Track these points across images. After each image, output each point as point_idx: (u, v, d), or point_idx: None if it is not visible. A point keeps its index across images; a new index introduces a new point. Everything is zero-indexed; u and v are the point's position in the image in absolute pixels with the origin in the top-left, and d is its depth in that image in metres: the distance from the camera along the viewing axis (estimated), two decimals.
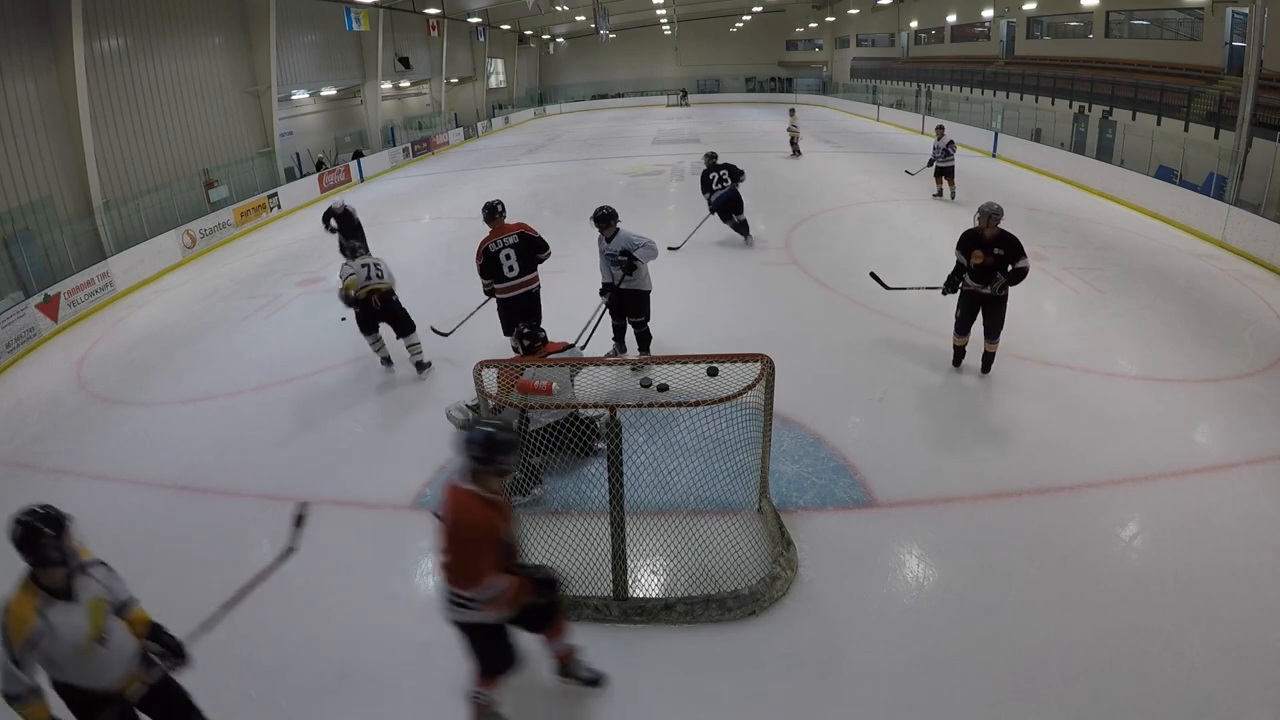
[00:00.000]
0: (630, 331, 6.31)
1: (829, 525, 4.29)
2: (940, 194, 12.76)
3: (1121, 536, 4.14)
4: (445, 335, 6.99)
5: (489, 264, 6.04)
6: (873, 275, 6.64)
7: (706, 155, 10.48)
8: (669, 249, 9.89)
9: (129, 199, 12.62)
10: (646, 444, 3.75)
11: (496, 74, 36.80)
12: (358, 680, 3.43)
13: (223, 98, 16.00)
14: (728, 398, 3.49)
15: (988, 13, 24.03)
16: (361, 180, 19.59)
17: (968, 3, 25.54)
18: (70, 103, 11.44)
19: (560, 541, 3.86)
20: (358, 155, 20.51)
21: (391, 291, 6.47)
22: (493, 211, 6.18)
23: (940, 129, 13.38)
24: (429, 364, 6.63)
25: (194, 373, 7.31)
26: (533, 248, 6.09)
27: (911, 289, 6.67)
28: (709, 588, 3.72)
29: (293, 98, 19.70)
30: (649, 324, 6.20)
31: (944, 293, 5.90)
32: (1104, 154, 14.78)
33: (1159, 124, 14.27)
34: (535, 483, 4.56)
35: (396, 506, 4.72)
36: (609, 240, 5.91)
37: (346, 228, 9.70)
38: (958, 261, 5.72)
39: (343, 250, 7.90)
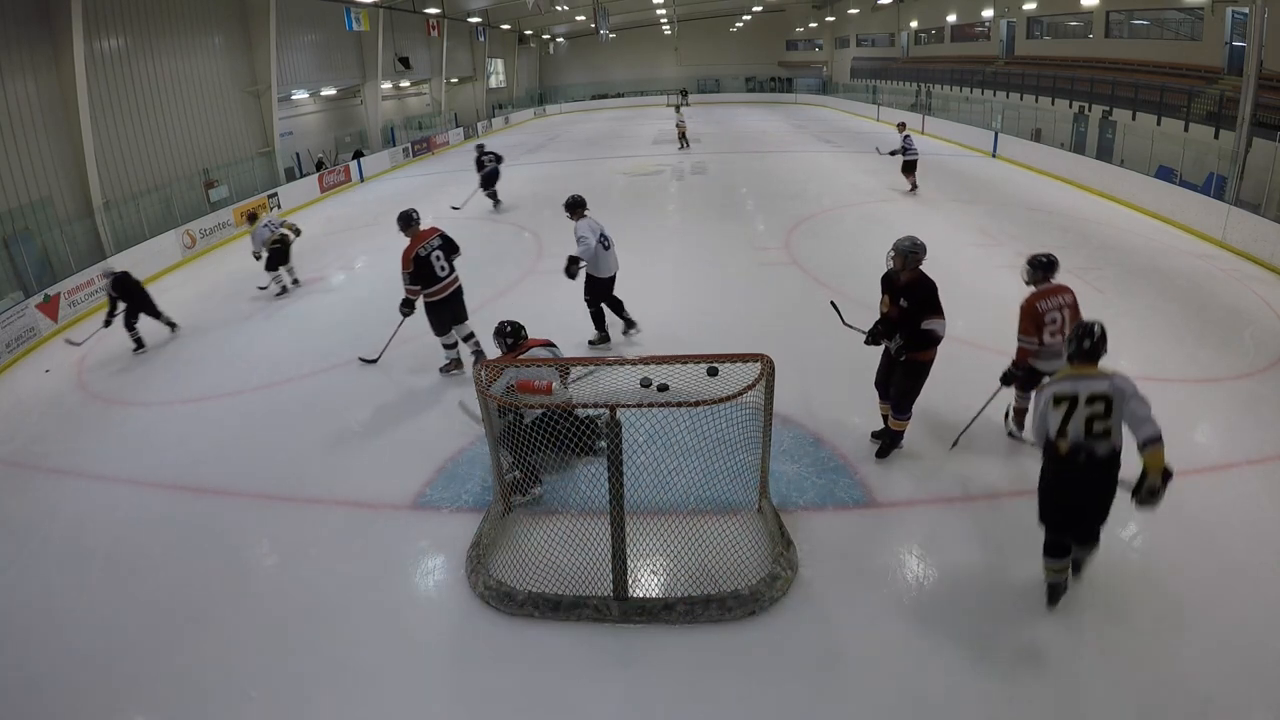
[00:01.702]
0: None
1: (829, 525, 4.29)
2: (915, 189, 13.19)
3: (1121, 536, 4.14)
4: (373, 362, 6.87)
5: (421, 268, 6.11)
6: (833, 305, 5.19)
7: (477, 145, 14.73)
8: (451, 208, 13.14)
9: (129, 199, 12.62)
10: (646, 444, 3.75)
11: (496, 74, 36.79)
12: (357, 680, 3.42)
13: (223, 98, 16.00)
14: (728, 398, 3.49)
15: (988, 13, 24.03)
16: (361, 180, 19.59)
17: (968, 3, 25.54)
18: (70, 102, 11.44)
19: (560, 541, 3.86)
20: (358, 155, 20.50)
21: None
22: (409, 220, 6.29)
23: (901, 124, 14.01)
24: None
25: (194, 373, 7.31)
26: (453, 247, 6.35)
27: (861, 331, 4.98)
28: (709, 588, 3.72)
29: (293, 98, 19.69)
30: (600, 304, 6.92)
31: (865, 342, 4.71)
32: (1104, 154, 14.78)
33: (1159, 124, 14.27)
34: (535, 482, 4.56)
35: (396, 506, 4.72)
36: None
37: (127, 293, 7.92)
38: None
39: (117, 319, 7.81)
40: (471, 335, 6.60)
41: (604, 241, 6.59)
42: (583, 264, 6.55)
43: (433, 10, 23.93)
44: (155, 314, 8.07)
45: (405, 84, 26.53)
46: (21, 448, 6.10)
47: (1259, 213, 9.59)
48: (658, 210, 13.35)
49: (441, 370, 6.55)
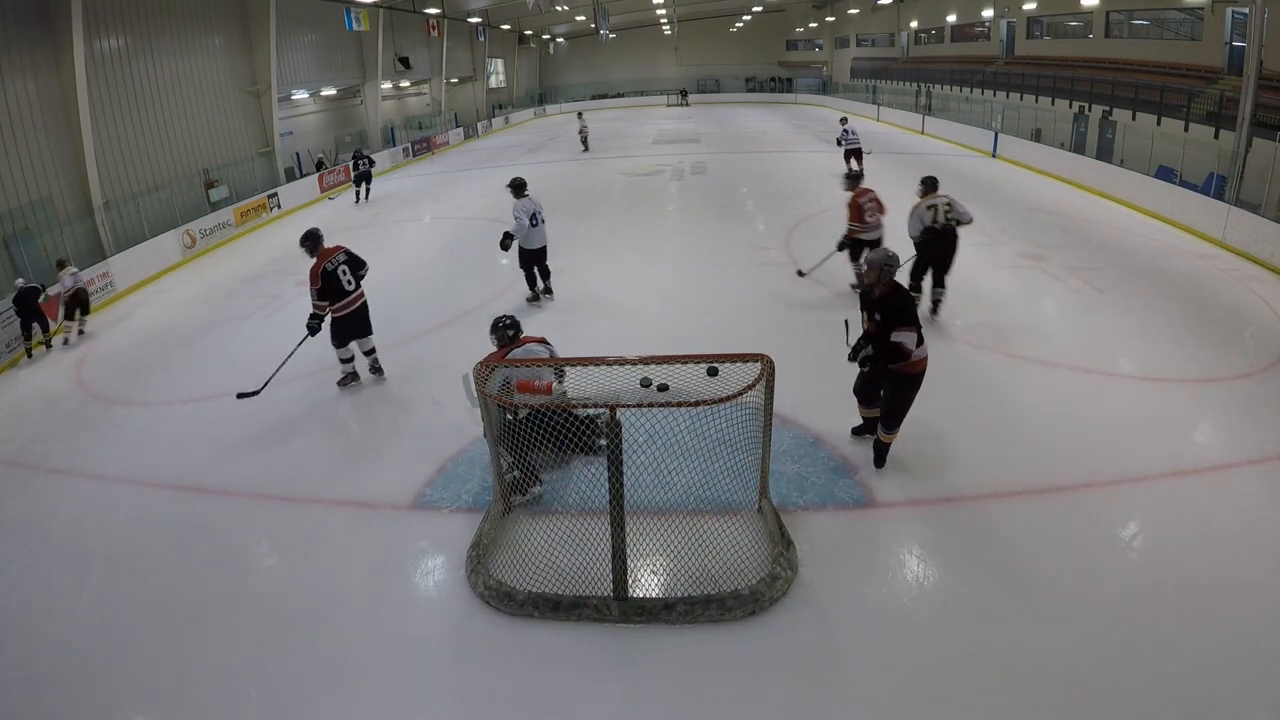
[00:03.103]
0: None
1: (829, 525, 4.29)
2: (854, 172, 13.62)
3: (1121, 537, 4.14)
4: (255, 394, 6.24)
5: (329, 283, 6.11)
6: (846, 324, 4.86)
7: (355, 150, 17.98)
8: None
9: (129, 199, 12.63)
10: (646, 444, 3.75)
11: (496, 74, 36.80)
12: (357, 679, 3.42)
13: (223, 98, 16.01)
14: (728, 398, 3.49)
15: (988, 13, 24.02)
16: None
17: (968, 3, 25.54)
18: (70, 103, 11.44)
19: (560, 541, 3.86)
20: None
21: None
22: (317, 240, 6.22)
23: (843, 119, 16.84)
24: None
25: (194, 372, 7.32)
26: (359, 263, 6.39)
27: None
28: (709, 588, 3.72)
29: (293, 98, 19.70)
30: (532, 269, 8.12)
31: (849, 358, 4.65)
32: (1104, 154, 14.78)
33: (1159, 124, 14.27)
34: (534, 481, 4.56)
35: (396, 506, 4.72)
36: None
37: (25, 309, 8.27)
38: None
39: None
40: (373, 350, 6.60)
41: (534, 220, 7.73)
42: (515, 239, 7.62)
43: (433, 10, 23.93)
44: (45, 329, 8.48)
45: (405, 84, 26.53)
46: (21, 448, 6.10)
47: (1259, 213, 9.59)
48: (658, 210, 13.35)
49: (339, 384, 6.50)
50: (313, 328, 6.20)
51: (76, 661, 3.64)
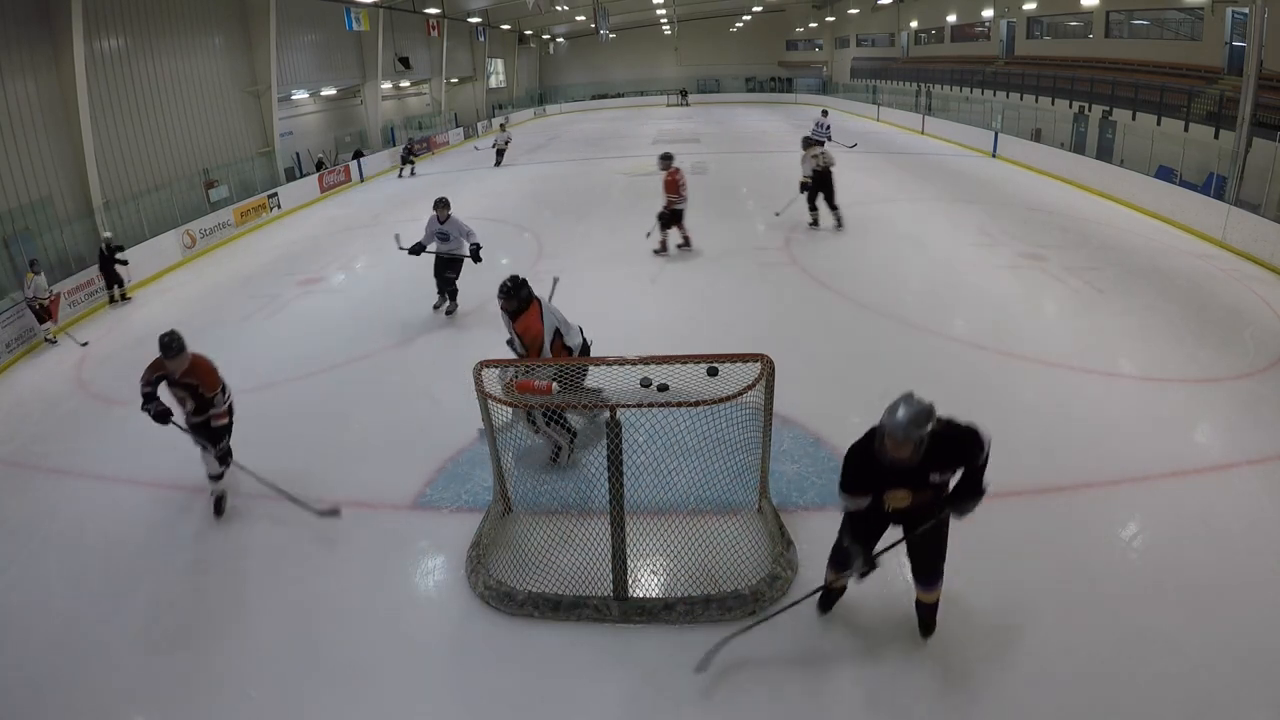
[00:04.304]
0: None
1: (829, 525, 4.25)
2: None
3: (1121, 537, 4.14)
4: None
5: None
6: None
7: (409, 139, 20.88)
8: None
9: (129, 199, 12.62)
10: (646, 444, 3.75)
11: (496, 74, 36.78)
12: (357, 679, 3.42)
13: (223, 98, 16.00)
14: (728, 398, 3.49)
15: (988, 13, 24.02)
16: (361, 180, 19.59)
17: (968, 3, 25.53)
18: (70, 103, 11.44)
19: (560, 541, 3.86)
20: (358, 155, 20.51)
21: None
22: (171, 346, 4.54)
23: (824, 112, 20.19)
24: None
25: None
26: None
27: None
28: (709, 588, 3.72)
29: (293, 98, 19.69)
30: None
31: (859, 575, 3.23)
32: (1104, 154, 14.77)
33: (1159, 124, 14.26)
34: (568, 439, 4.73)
35: (396, 506, 4.72)
36: (442, 222, 8.00)
37: None
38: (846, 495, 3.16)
39: None
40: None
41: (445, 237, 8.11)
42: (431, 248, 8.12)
43: (433, 10, 23.93)
44: (120, 284, 10.08)
45: (405, 84, 26.52)
46: (21, 448, 6.10)
47: (1259, 213, 9.59)
48: (657, 208, 13.32)
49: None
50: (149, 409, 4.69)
51: (76, 661, 3.64)
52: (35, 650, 3.75)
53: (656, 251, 9.93)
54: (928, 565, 3.28)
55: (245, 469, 4.79)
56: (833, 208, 10.61)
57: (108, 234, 10.54)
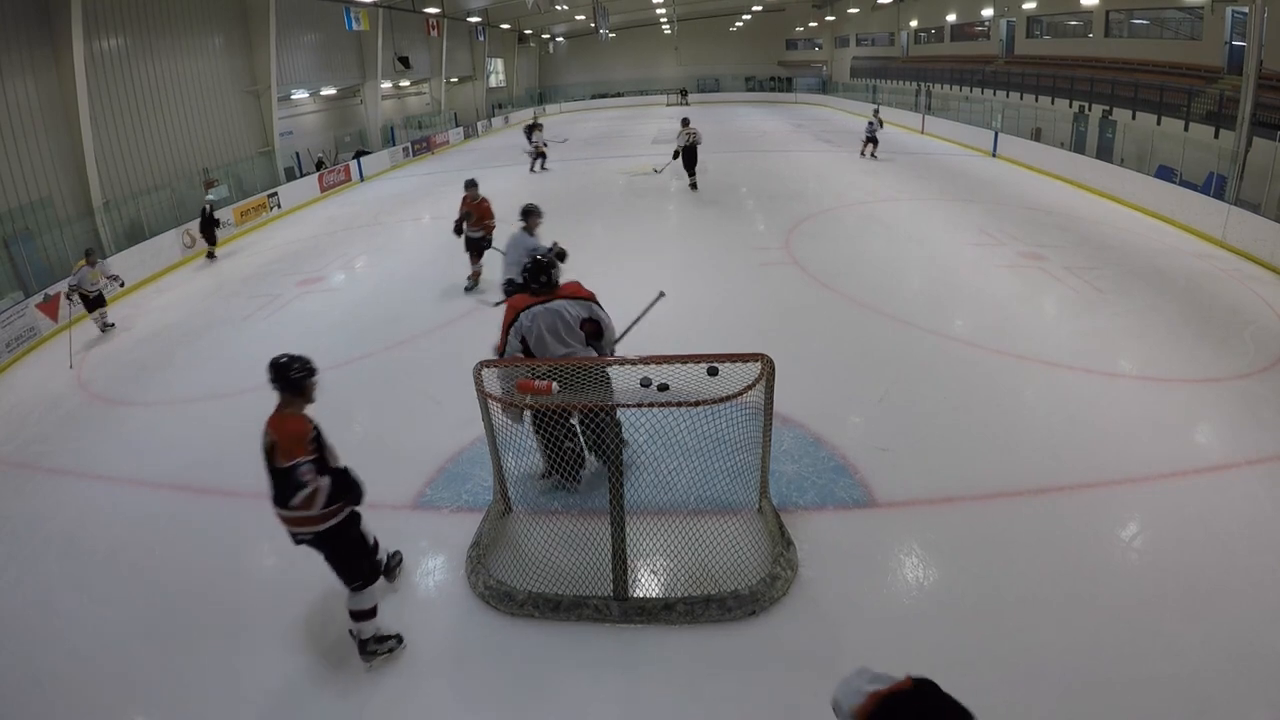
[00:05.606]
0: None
1: (829, 525, 4.29)
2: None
3: (1122, 537, 4.14)
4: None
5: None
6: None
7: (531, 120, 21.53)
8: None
9: (129, 199, 12.63)
10: (646, 444, 3.75)
11: (496, 73, 36.79)
12: (357, 680, 3.42)
13: (223, 98, 16.00)
14: (728, 398, 3.49)
15: (988, 12, 24.02)
16: (361, 180, 19.59)
17: (967, 2, 25.53)
18: (70, 103, 11.44)
19: (560, 541, 3.86)
20: (359, 154, 20.50)
21: None
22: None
23: (876, 110, 19.99)
24: None
25: (194, 373, 7.31)
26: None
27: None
28: (709, 588, 3.72)
29: (292, 97, 19.69)
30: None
31: None
32: (1104, 153, 14.78)
33: (1159, 123, 14.26)
34: (580, 466, 4.54)
35: (396, 506, 4.72)
36: (532, 234, 6.91)
37: None
38: None
39: None
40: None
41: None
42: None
43: (433, 10, 23.92)
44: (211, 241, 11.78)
45: (405, 84, 26.53)
46: (21, 448, 6.10)
47: (1259, 212, 9.59)
48: (658, 210, 13.34)
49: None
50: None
51: (77, 661, 3.65)
52: (36, 650, 3.75)
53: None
54: None
55: None
56: (692, 173, 14.35)
57: (211, 196, 12.24)
